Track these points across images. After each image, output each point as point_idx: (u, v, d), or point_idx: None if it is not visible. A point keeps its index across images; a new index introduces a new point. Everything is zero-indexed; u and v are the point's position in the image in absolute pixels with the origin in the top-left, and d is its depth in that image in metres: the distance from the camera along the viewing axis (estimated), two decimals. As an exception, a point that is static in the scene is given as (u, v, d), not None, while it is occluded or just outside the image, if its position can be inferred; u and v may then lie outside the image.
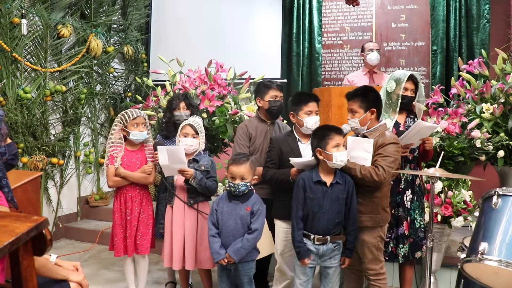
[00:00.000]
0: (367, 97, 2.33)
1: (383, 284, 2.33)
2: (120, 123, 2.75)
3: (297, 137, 2.55)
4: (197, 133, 2.65)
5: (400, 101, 2.56)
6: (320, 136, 2.22)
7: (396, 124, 2.59)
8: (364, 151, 2.24)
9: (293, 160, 2.36)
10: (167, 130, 2.99)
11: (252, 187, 2.35)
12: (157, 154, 2.65)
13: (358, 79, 3.99)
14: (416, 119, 2.65)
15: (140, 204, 2.76)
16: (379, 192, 2.29)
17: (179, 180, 2.64)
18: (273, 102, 2.77)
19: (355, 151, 2.26)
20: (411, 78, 2.59)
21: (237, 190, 2.24)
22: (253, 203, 2.27)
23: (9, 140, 1.87)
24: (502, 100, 3.04)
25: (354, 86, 3.45)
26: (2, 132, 1.66)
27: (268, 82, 2.86)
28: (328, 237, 2.20)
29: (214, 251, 2.25)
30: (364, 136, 2.32)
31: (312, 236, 2.21)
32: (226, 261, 2.22)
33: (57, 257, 1.82)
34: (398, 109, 2.57)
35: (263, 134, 2.79)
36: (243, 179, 2.24)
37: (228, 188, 2.31)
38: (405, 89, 2.57)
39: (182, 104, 3.01)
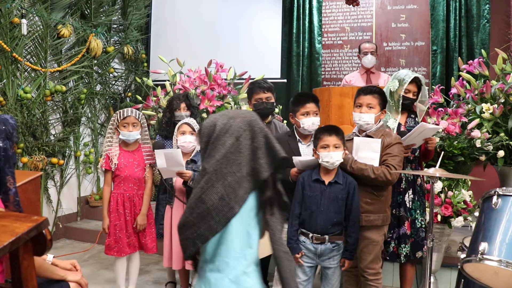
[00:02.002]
0: (384, 97, 2.37)
1: (380, 284, 2.33)
2: (114, 122, 2.75)
3: (298, 137, 2.54)
4: (194, 130, 2.66)
5: (401, 101, 2.56)
6: (315, 136, 2.30)
7: (397, 124, 2.59)
8: (372, 151, 2.24)
9: (296, 160, 2.35)
10: (167, 130, 2.99)
11: None
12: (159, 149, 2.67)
13: (355, 79, 3.99)
14: (417, 119, 2.65)
15: (139, 203, 2.75)
16: (386, 191, 2.32)
17: (178, 181, 2.63)
18: (257, 105, 2.76)
19: (362, 152, 2.27)
20: (415, 81, 2.57)
21: None
22: None
23: None
24: (502, 100, 3.04)
25: (353, 86, 3.46)
26: (14, 139, 1.69)
27: (251, 85, 2.82)
28: (326, 237, 2.20)
29: None
30: (368, 136, 2.33)
31: (310, 235, 2.22)
32: None
33: (53, 257, 1.82)
34: (400, 109, 2.57)
35: None
36: None
37: None
38: (408, 91, 2.55)
39: (183, 105, 3.01)
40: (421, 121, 2.64)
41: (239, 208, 1.28)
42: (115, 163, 2.69)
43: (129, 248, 2.74)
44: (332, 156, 2.17)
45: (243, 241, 1.33)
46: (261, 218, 1.36)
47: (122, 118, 2.70)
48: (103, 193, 2.76)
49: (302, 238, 2.26)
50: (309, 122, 2.45)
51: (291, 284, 1.35)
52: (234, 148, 1.28)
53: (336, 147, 2.19)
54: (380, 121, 2.39)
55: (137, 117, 2.74)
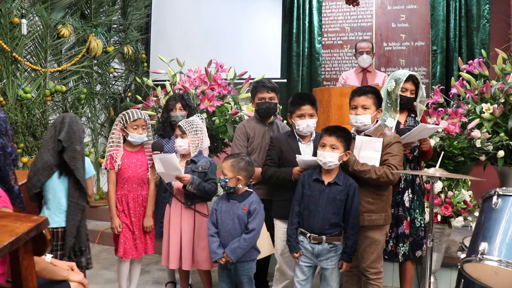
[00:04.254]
0: (378, 96, 2.35)
1: (381, 283, 2.34)
2: (121, 123, 2.73)
3: (297, 137, 2.54)
4: (185, 133, 2.62)
5: (398, 100, 2.57)
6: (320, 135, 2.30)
7: (397, 123, 2.60)
8: (373, 151, 2.24)
9: (299, 158, 2.35)
10: (163, 130, 3.04)
11: (245, 187, 2.35)
12: (156, 154, 2.67)
13: (352, 77, 4.00)
14: (417, 118, 2.65)
15: (142, 204, 2.75)
16: (387, 191, 2.32)
17: (177, 182, 2.63)
18: (259, 104, 2.73)
19: (364, 151, 2.26)
20: (412, 79, 2.57)
21: (220, 185, 2.32)
22: (250, 203, 2.28)
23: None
24: (502, 100, 3.04)
25: (349, 85, 3.46)
26: (9, 133, 1.69)
27: (256, 83, 2.79)
28: (324, 237, 2.19)
29: (212, 251, 2.27)
30: (367, 135, 2.32)
31: (308, 235, 2.22)
32: (223, 260, 2.23)
33: (52, 257, 1.82)
34: (398, 108, 2.58)
35: (261, 134, 2.77)
36: (224, 175, 2.29)
37: None
38: (405, 89, 2.56)
39: (178, 105, 3.01)
40: (420, 121, 2.65)
41: (56, 169, 2.29)
42: (118, 164, 2.69)
43: (136, 251, 2.72)
44: (325, 156, 2.17)
45: (59, 190, 2.33)
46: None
47: (132, 120, 2.69)
48: (109, 192, 2.74)
49: (301, 237, 2.27)
50: (304, 124, 2.45)
51: (72, 231, 2.31)
52: (53, 134, 2.28)
53: (333, 148, 2.18)
54: (377, 120, 2.39)
55: (146, 120, 2.75)
